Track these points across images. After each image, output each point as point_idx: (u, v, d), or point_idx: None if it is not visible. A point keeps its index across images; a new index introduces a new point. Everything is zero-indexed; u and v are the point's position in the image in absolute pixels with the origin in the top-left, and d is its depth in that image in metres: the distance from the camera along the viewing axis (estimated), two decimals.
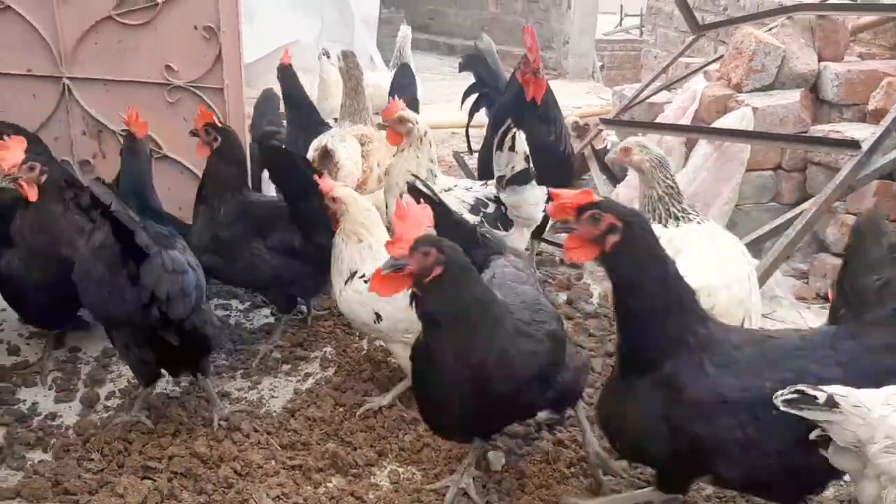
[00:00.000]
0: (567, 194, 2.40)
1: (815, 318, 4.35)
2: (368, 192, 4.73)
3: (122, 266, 2.96)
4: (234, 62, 4.28)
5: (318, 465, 3.13)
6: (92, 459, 3.12)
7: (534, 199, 3.96)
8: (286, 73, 5.38)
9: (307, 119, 5.26)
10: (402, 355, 3.35)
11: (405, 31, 7.56)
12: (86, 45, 4.27)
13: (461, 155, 6.50)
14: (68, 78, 4.33)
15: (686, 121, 5.40)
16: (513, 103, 4.46)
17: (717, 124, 5.11)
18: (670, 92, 6.32)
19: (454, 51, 12.47)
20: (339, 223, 3.46)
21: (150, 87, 4.32)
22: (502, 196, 3.97)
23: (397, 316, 3.27)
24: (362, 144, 4.91)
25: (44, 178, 3.48)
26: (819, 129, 5.00)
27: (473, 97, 5.37)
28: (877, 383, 2.18)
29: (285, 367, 3.89)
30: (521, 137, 3.85)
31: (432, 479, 3.08)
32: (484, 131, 4.95)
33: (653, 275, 2.39)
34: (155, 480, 2.98)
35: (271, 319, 4.30)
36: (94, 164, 4.48)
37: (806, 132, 5.06)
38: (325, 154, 4.66)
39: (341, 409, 3.49)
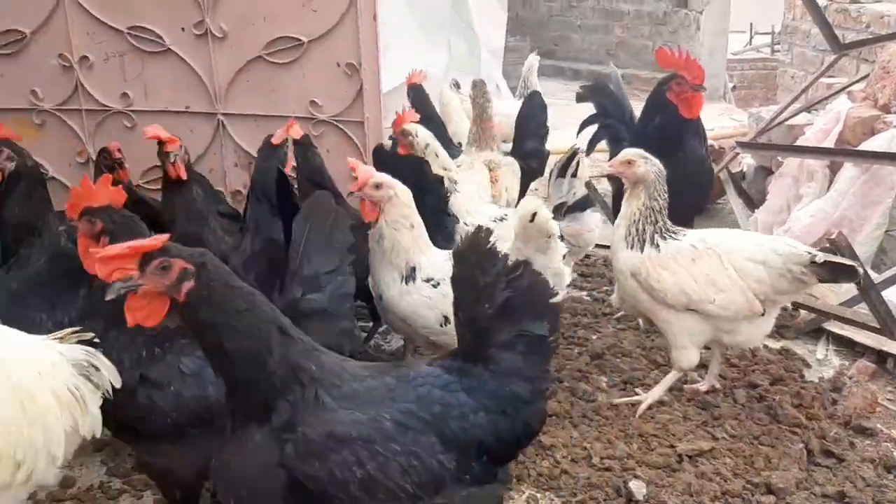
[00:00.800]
0: (123, 245, 2.02)
1: None
2: None
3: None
4: (373, 96, 4.48)
5: None
6: None
7: (592, 225, 3.93)
8: (417, 92, 5.57)
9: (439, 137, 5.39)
10: None
11: (531, 61, 7.61)
12: (238, 83, 4.56)
13: (590, 180, 6.46)
14: (222, 114, 4.63)
15: (829, 143, 5.21)
16: (665, 124, 4.36)
17: (864, 147, 4.90)
18: (811, 113, 6.09)
19: (580, 76, 12.46)
20: (379, 213, 3.34)
21: (297, 121, 4.56)
22: (560, 225, 3.93)
23: None
24: (490, 170, 4.99)
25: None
26: None
27: (593, 127, 5.27)
28: (499, 410, 2.25)
29: None
30: (584, 163, 3.85)
31: None
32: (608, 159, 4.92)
33: (241, 309, 2.09)
34: None
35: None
36: (245, 193, 4.76)
37: None
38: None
39: None
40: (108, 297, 1.95)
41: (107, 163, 4.06)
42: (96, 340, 2.46)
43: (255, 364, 2.08)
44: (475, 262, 2.32)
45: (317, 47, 4.45)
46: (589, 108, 5.34)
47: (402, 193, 3.35)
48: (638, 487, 3.12)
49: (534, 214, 3.24)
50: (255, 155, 4.46)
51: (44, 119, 4.72)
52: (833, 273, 3.40)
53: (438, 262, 3.39)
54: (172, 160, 3.47)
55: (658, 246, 3.53)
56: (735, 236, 3.69)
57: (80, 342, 2.42)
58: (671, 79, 4.31)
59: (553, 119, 7.24)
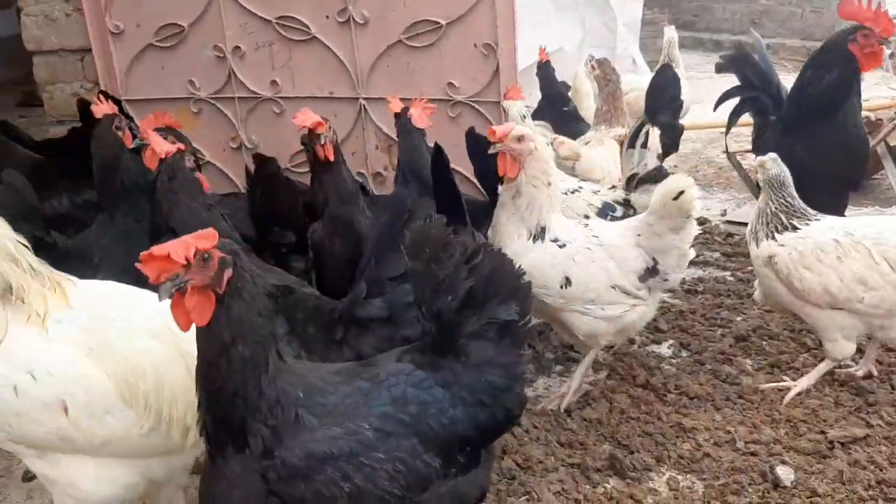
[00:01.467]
0: (168, 245, 1.87)
1: None
2: None
3: None
4: (510, 75, 4.50)
5: (596, 465, 3.20)
6: None
7: None
8: (544, 70, 5.67)
9: (561, 114, 5.46)
10: (581, 325, 3.38)
11: (670, 35, 7.36)
12: (379, 68, 4.70)
13: (735, 155, 6.24)
14: (364, 98, 4.79)
15: None
16: (837, 81, 4.12)
17: None
18: None
19: (721, 47, 11.96)
20: (519, 168, 3.24)
21: (434, 103, 4.64)
22: (633, 197, 3.83)
23: (587, 282, 3.28)
24: (621, 144, 4.92)
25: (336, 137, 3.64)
26: None
27: (735, 100, 5.04)
28: (476, 402, 2.19)
29: (558, 368, 4.00)
30: (654, 134, 3.76)
31: (715, 490, 3.03)
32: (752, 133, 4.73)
33: (263, 312, 2.00)
34: None
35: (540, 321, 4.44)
36: (386, 175, 4.92)
37: None
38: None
39: (616, 413, 3.53)
40: (162, 300, 1.87)
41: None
42: None
43: (250, 379, 1.97)
44: (431, 255, 2.22)
45: (454, 29, 4.51)
46: (732, 80, 5.14)
47: (542, 148, 3.29)
48: (786, 473, 3.02)
49: (680, 193, 3.18)
50: (393, 137, 4.60)
51: (200, 107, 5.03)
52: None
53: (567, 226, 3.38)
54: (323, 142, 3.52)
55: (789, 242, 3.39)
56: (888, 223, 3.45)
57: None
58: (855, 30, 4.08)
59: (693, 94, 7.04)
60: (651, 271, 3.37)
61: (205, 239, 1.89)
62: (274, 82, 4.88)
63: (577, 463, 3.22)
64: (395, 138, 4.70)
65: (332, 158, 3.49)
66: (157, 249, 1.84)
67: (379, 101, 4.77)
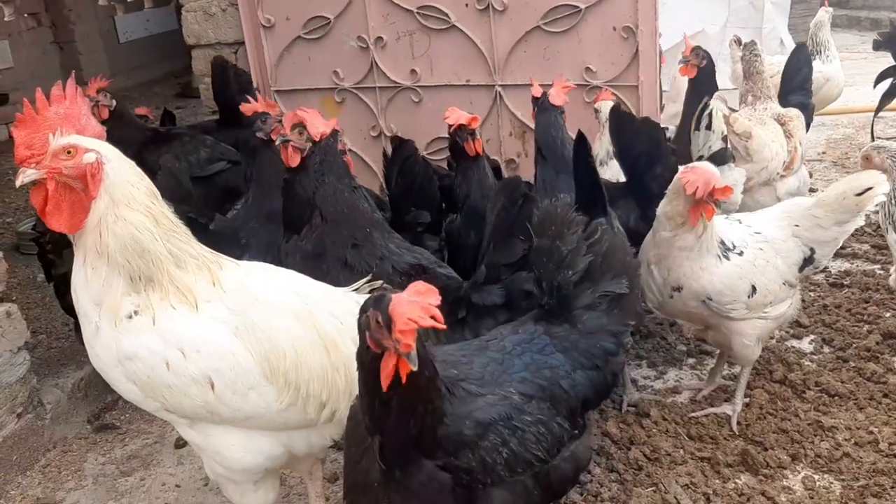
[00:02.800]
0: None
1: None
2: (794, 172, 4.59)
3: None
4: (649, 59, 4.43)
5: (727, 461, 3.15)
6: None
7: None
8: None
9: None
10: (752, 331, 3.25)
11: (821, 17, 6.92)
12: (516, 54, 4.74)
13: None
14: (500, 86, 4.84)
15: None
16: None
17: None
18: None
19: (879, 25, 11.17)
20: (709, 220, 3.06)
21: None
22: None
23: (769, 287, 3.18)
24: (782, 125, 4.75)
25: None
26: None
27: (889, 81, 4.75)
28: (593, 366, 2.34)
29: (690, 361, 3.95)
30: (717, 115, 3.64)
31: (854, 491, 2.92)
32: None
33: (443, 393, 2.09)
34: None
35: None
36: (519, 162, 4.96)
37: None
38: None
39: (752, 408, 3.45)
40: (413, 366, 1.84)
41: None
42: (386, 286, 2.62)
43: (434, 391, 2.02)
44: (555, 231, 2.36)
45: (593, 12, 4.48)
46: (890, 60, 4.86)
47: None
48: None
49: (867, 189, 3.12)
50: (528, 124, 4.62)
51: (344, 97, 5.24)
52: None
53: (726, 226, 3.28)
54: (477, 137, 3.57)
55: None
56: None
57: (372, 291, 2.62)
58: None
59: (850, 76, 6.66)
60: (808, 260, 3.29)
61: (433, 296, 1.89)
62: (413, 71, 5.01)
63: (708, 457, 3.18)
64: (530, 125, 4.75)
65: (480, 153, 3.56)
66: (410, 317, 1.80)
67: (514, 87, 4.81)
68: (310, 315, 2.46)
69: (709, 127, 3.81)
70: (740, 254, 3.19)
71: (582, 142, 3.11)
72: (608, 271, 2.40)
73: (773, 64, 6.24)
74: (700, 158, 3.84)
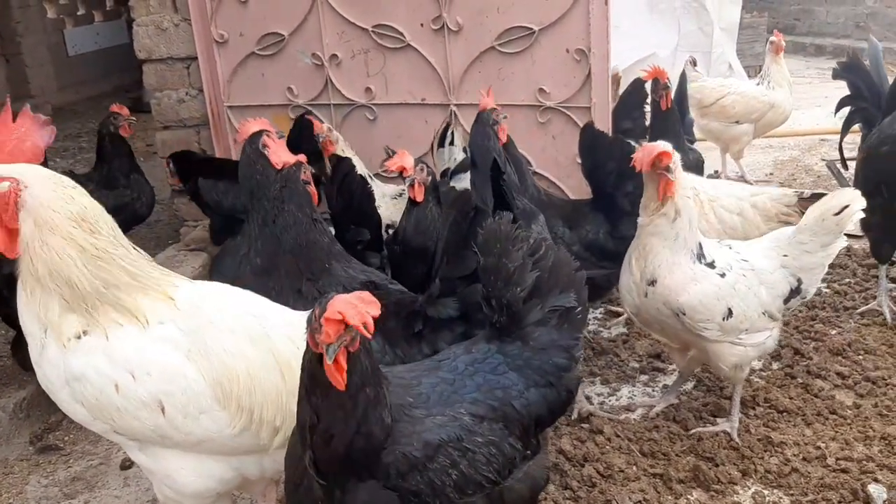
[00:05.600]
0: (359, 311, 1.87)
1: None
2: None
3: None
4: (601, 81, 4.51)
5: (680, 476, 3.17)
6: None
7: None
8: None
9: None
10: (730, 356, 3.28)
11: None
12: (471, 74, 4.77)
13: (835, 163, 6.05)
14: (455, 105, 4.87)
15: None
16: None
17: None
18: None
19: (823, 51, 11.58)
20: (670, 194, 3.12)
21: (524, 109, 4.70)
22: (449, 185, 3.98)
23: (747, 313, 3.21)
24: None
25: (430, 179, 3.67)
26: None
27: (847, 109, 4.88)
28: (546, 383, 2.32)
29: (643, 378, 3.98)
30: (458, 133, 4.29)
31: None
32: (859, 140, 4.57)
33: (380, 385, 2.05)
34: None
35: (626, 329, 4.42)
36: None
37: None
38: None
39: (702, 424, 3.49)
40: (330, 361, 1.86)
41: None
42: None
43: (372, 416, 1.99)
44: (501, 249, 2.35)
45: (546, 35, 4.55)
46: (839, 86, 4.97)
47: (680, 173, 3.16)
48: (878, 492, 2.94)
49: (844, 207, 3.16)
50: None
51: (297, 114, 5.21)
52: None
53: (712, 246, 3.31)
54: (411, 183, 3.57)
55: None
56: None
57: None
58: None
59: (797, 99, 6.83)
60: (794, 292, 3.31)
61: (373, 307, 1.89)
62: (368, 89, 5.01)
63: (660, 473, 3.20)
64: None
65: (419, 200, 3.57)
66: (339, 313, 1.83)
67: (469, 106, 4.84)
68: (265, 338, 2.42)
69: (452, 143, 4.32)
70: (722, 275, 3.20)
71: (495, 166, 3.20)
72: (555, 286, 2.40)
73: (724, 86, 6.41)
74: (447, 170, 4.25)
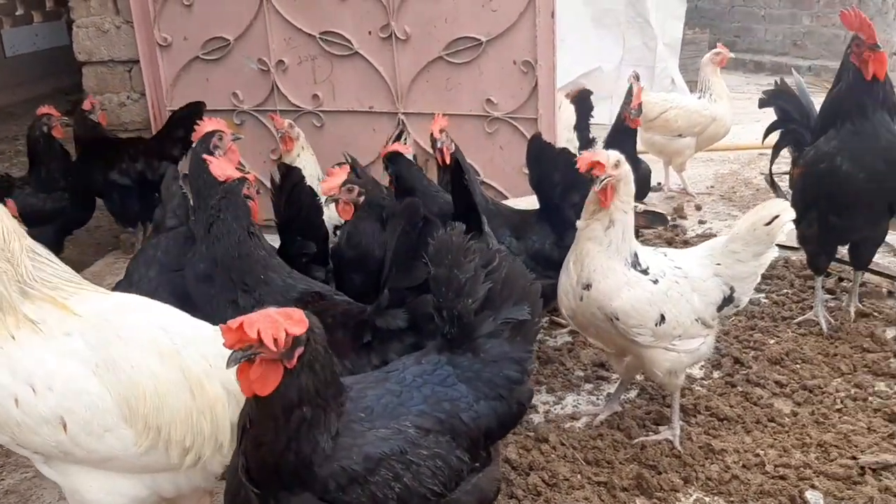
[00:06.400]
0: (258, 321, 1.87)
1: None
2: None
3: None
4: (548, 93, 4.56)
5: (623, 484, 3.20)
6: None
7: None
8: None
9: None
10: (663, 362, 3.31)
11: (705, 60, 7.13)
12: (419, 83, 4.78)
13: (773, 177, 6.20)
14: (403, 113, 4.86)
15: None
16: (850, 91, 4.10)
17: None
18: None
19: (762, 68, 11.89)
20: (612, 198, 3.13)
21: (471, 119, 4.72)
22: None
23: (679, 319, 3.24)
24: None
25: (361, 198, 3.63)
26: None
27: (777, 133, 5.05)
28: (496, 395, 2.30)
29: (587, 386, 4.00)
30: (409, 140, 4.24)
31: None
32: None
33: (329, 379, 2.05)
34: None
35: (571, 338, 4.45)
36: None
37: None
38: None
39: (644, 432, 3.53)
40: (229, 367, 1.88)
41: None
42: None
43: (304, 437, 1.99)
44: (453, 260, 2.32)
45: (494, 46, 4.58)
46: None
47: (629, 169, 3.19)
48: (815, 498, 3.00)
49: (774, 218, 3.20)
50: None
51: (243, 119, 5.15)
52: None
53: (647, 254, 3.33)
54: (341, 206, 3.58)
55: None
56: None
57: None
58: (852, 40, 4.08)
59: (736, 115, 6.99)
60: (727, 300, 3.34)
61: (296, 325, 1.90)
62: (315, 96, 4.98)
63: (604, 482, 3.22)
64: (432, 152, 4.79)
65: (347, 218, 3.60)
66: (246, 323, 1.86)
67: (417, 115, 4.85)
68: (176, 354, 2.33)
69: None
70: (655, 281, 3.23)
71: (458, 166, 3.23)
72: (509, 298, 2.37)
73: (667, 100, 6.53)
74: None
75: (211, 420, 2.34)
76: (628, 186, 3.20)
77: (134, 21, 5.03)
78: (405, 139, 4.60)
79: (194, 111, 4.71)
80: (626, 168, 3.18)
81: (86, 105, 5.17)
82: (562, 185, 3.77)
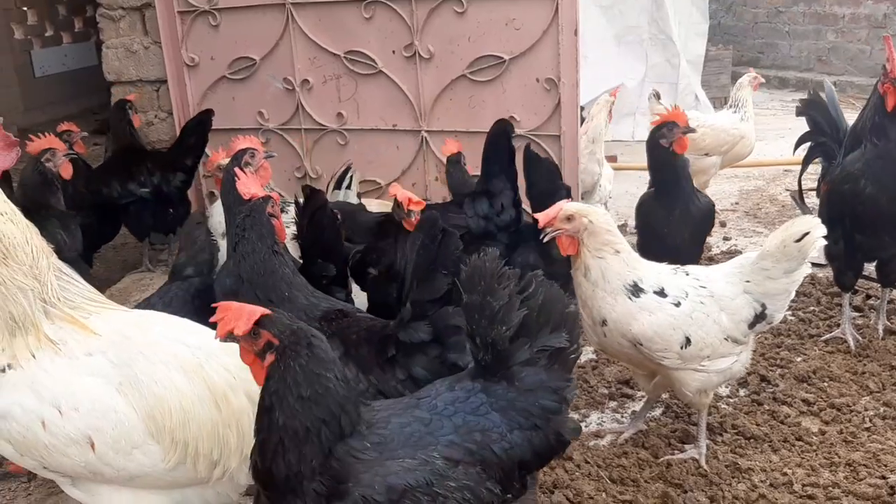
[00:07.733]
0: (239, 307, 2.05)
1: None
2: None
3: None
4: (571, 110, 4.57)
5: (649, 503, 3.17)
6: None
7: None
8: None
9: None
10: (692, 382, 3.29)
11: (743, 80, 7.07)
12: (442, 101, 4.81)
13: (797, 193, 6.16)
14: (426, 131, 4.89)
15: None
16: (874, 113, 4.08)
17: None
18: None
19: (786, 84, 11.85)
20: (579, 245, 3.16)
21: None
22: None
23: (707, 340, 3.21)
24: None
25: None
26: None
27: (807, 145, 5.02)
28: (531, 425, 2.23)
29: (612, 404, 3.98)
30: (356, 178, 4.42)
31: None
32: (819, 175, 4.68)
33: (306, 395, 2.03)
34: None
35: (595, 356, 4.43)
36: None
37: None
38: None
39: (670, 451, 3.51)
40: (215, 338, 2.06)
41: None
42: None
43: (291, 447, 2.00)
44: (485, 287, 2.25)
45: (517, 64, 4.61)
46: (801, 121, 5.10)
47: (598, 219, 3.15)
48: None
49: (804, 234, 3.17)
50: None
51: (268, 137, 5.20)
52: None
53: (667, 275, 3.29)
54: (410, 217, 3.52)
55: None
56: None
57: None
58: (884, 69, 4.06)
59: (761, 131, 6.97)
60: (759, 317, 3.30)
61: (254, 315, 2.02)
62: (339, 114, 5.03)
63: (629, 500, 3.19)
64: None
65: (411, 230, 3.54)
66: (228, 310, 2.03)
67: (440, 133, 4.87)
68: (199, 368, 2.34)
69: (349, 187, 4.40)
70: (677, 304, 3.19)
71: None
72: (546, 324, 2.28)
73: (693, 119, 6.48)
74: None
75: (237, 432, 2.35)
76: (594, 237, 3.14)
77: (162, 42, 5.12)
78: (350, 177, 4.47)
79: (204, 119, 4.78)
80: (588, 220, 3.12)
81: (130, 96, 5.23)
82: (547, 194, 3.80)
